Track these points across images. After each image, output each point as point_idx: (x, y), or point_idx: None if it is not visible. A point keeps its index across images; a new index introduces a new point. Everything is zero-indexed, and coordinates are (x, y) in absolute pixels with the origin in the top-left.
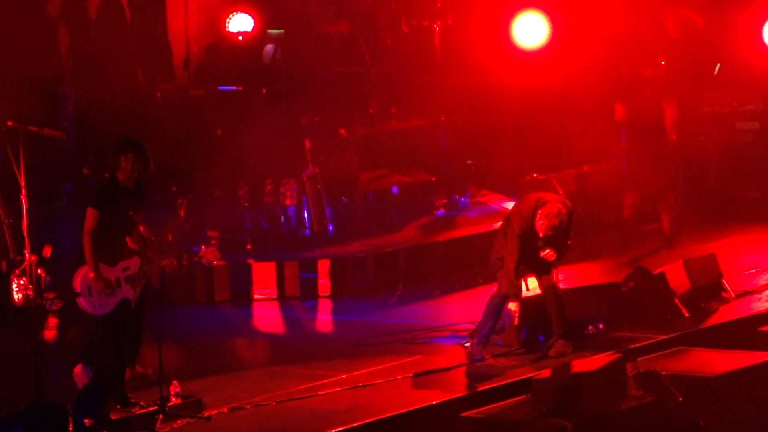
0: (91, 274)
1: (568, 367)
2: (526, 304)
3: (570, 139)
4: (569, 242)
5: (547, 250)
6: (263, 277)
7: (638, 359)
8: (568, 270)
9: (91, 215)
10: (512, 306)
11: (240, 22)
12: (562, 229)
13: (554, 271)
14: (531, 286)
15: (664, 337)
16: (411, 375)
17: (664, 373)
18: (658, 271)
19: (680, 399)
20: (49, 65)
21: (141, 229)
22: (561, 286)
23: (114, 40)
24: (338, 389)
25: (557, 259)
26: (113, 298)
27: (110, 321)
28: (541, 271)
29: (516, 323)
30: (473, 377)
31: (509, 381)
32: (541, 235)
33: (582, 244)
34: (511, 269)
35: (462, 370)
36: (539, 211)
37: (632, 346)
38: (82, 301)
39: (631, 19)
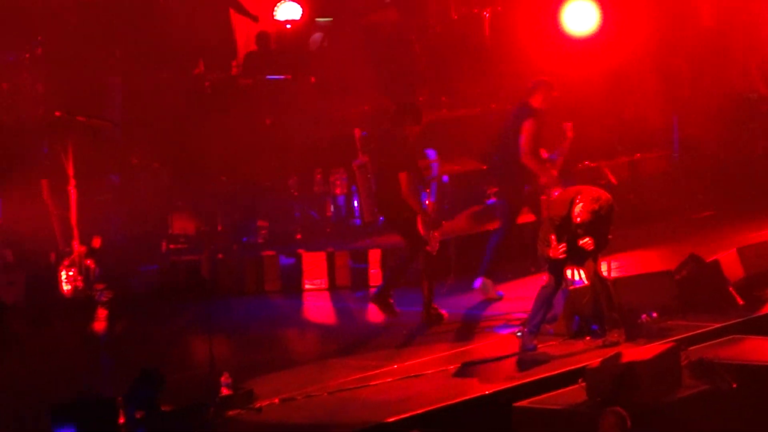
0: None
1: (621, 356)
2: (577, 293)
3: (622, 127)
4: (609, 237)
5: (586, 239)
6: (313, 267)
7: (692, 348)
8: (622, 258)
9: None
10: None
11: (288, 11)
12: (600, 218)
13: (600, 261)
14: (579, 276)
15: (718, 325)
16: (463, 365)
17: (717, 361)
18: (711, 259)
19: (734, 386)
20: (98, 55)
21: None
22: (614, 274)
23: (163, 30)
24: (390, 379)
25: (596, 251)
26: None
27: None
28: (584, 261)
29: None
30: (525, 366)
31: (562, 370)
32: (579, 220)
33: (635, 232)
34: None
35: (514, 360)
36: (578, 198)
37: (686, 335)
38: None
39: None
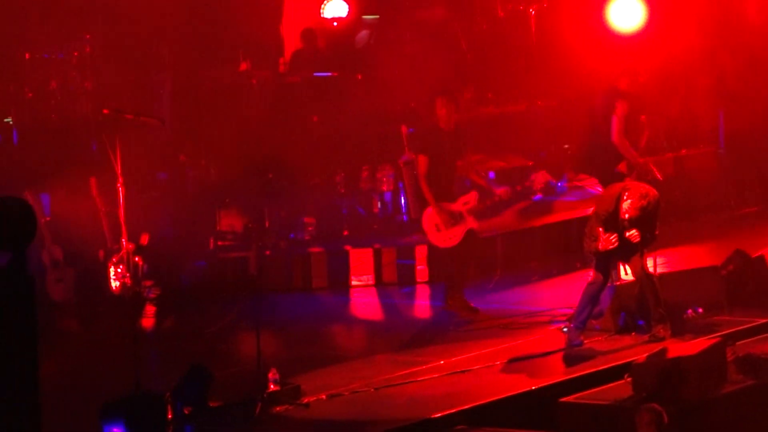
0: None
1: (667, 352)
2: (624, 288)
3: (668, 123)
4: (657, 232)
5: (633, 231)
6: (360, 263)
7: (738, 343)
8: (668, 254)
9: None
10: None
11: (335, 8)
12: (648, 213)
13: (646, 257)
14: (626, 272)
15: (764, 320)
16: (509, 360)
17: (764, 356)
18: (757, 255)
19: None
20: (146, 53)
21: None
22: (660, 270)
23: (210, 27)
24: (436, 375)
25: (642, 246)
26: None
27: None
28: (631, 257)
29: (608, 306)
30: (571, 362)
31: (608, 366)
32: (627, 216)
33: (681, 228)
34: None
35: (560, 355)
36: (626, 194)
37: (732, 330)
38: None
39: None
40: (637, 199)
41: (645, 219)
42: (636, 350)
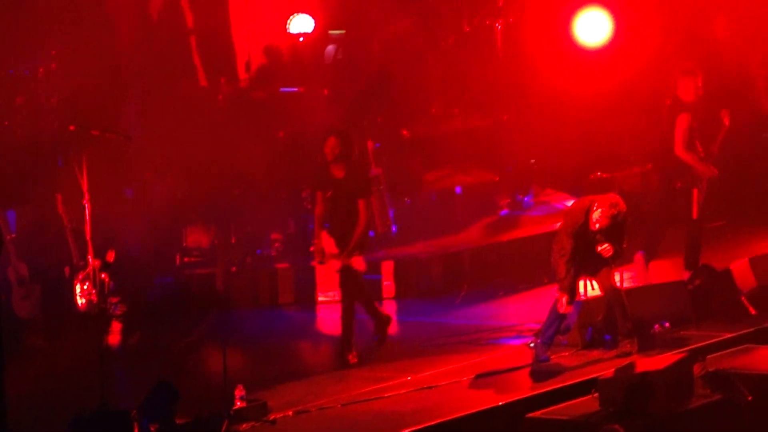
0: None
1: (635, 367)
2: (591, 304)
3: (635, 138)
4: (624, 245)
5: (605, 245)
6: (327, 279)
7: (705, 358)
8: (635, 269)
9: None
10: (564, 302)
11: (301, 23)
12: (617, 225)
13: (615, 271)
14: (593, 287)
15: (730, 335)
16: (476, 376)
17: (731, 371)
18: (724, 269)
19: (750, 398)
20: (112, 69)
21: None
22: (627, 285)
23: (174, 43)
24: (403, 391)
25: (611, 260)
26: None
27: None
28: (599, 272)
29: (575, 321)
30: (538, 378)
31: (575, 381)
32: (597, 227)
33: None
34: (562, 269)
35: (527, 371)
36: (595, 205)
37: (699, 345)
38: None
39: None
40: (607, 208)
41: (614, 231)
42: (603, 365)
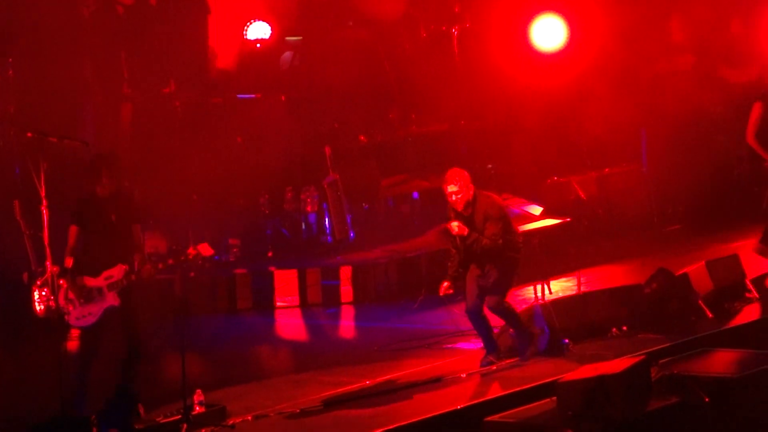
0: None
1: (592, 370)
2: (551, 307)
3: (591, 142)
4: (500, 241)
5: (455, 224)
6: (285, 284)
7: (662, 361)
8: (591, 273)
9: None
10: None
11: (258, 30)
12: (468, 203)
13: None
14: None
15: (688, 338)
16: (435, 380)
17: (688, 374)
18: (680, 273)
19: (707, 400)
20: (69, 76)
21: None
22: (584, 288)
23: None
24: (363, 395)
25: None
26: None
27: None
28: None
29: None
30: (496, 381)
31: (533, 384)
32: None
33: (605, 246)
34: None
35: (486, 375)
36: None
37: (656, 348)
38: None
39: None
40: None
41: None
42: (562, 368)
